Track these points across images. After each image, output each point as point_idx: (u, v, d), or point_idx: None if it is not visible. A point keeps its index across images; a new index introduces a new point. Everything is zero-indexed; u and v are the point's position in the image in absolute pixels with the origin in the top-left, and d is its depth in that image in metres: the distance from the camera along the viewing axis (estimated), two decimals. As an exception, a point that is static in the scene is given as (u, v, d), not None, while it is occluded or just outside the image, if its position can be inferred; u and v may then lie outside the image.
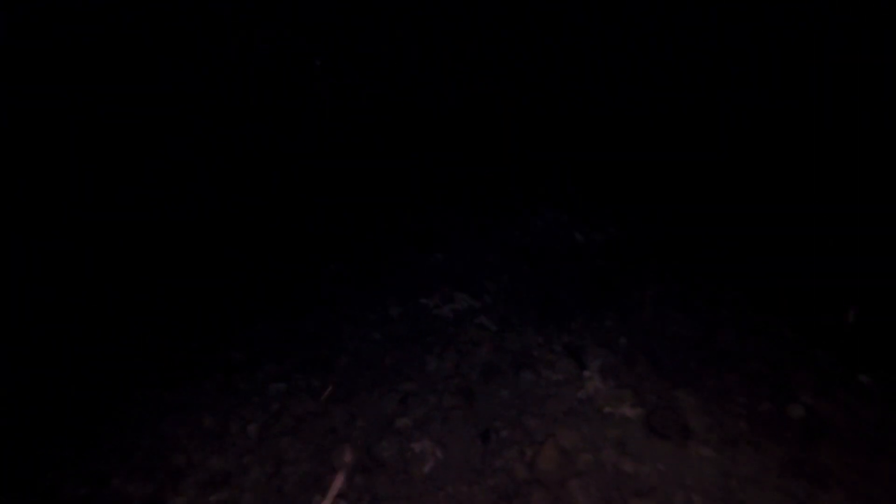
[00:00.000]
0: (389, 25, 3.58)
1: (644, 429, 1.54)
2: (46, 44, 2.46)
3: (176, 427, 1.79)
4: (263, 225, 3.43)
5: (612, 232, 2.88)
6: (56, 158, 2.88)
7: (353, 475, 1.50)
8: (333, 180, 4.21)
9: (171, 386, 2.01)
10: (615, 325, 2.12)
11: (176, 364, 2.13)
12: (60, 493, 1.54)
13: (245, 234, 3.30)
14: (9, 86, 2.13)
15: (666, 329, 2.00)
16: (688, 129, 3.15)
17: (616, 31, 3.34)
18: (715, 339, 1.87)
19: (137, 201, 3.16)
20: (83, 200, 2.96)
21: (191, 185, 3.44)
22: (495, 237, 3.12)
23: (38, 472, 1.61)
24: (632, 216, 3.00)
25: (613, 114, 3.57)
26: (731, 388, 1.63)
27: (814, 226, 2.11)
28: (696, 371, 1.74)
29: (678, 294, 2.20)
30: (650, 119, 3.38)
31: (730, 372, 1.69)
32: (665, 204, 2.94)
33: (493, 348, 2.12)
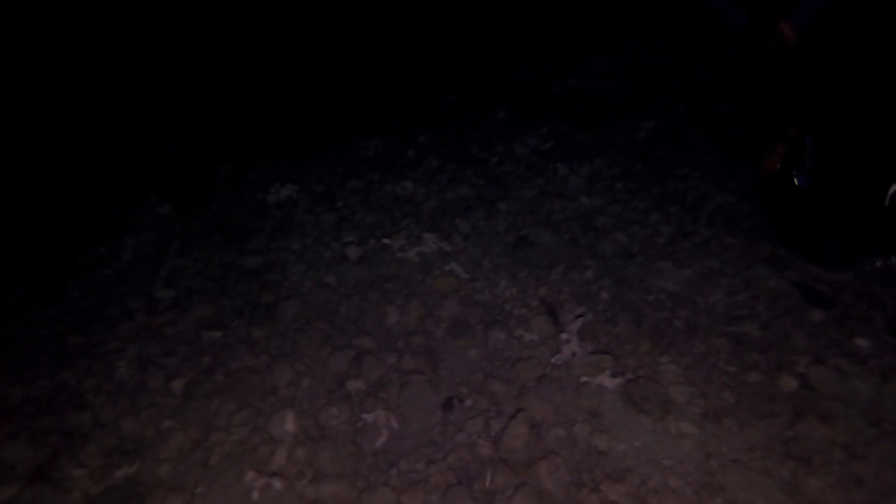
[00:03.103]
0: None
1: (622, 400, 1.40)
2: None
3: (80, 377, 1.51)
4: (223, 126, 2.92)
5: (599, 164, 2.60)
6: None
7: (295, 447, 1.30)
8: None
9: (76, 327, 1.69)
10: (596, 277, 1.92)
11: (83, 303, 1.79)
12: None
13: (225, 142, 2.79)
14: None
15: (652, 283, 1.82)
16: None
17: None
18: (705, 295, 1.71)
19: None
20: None
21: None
22: (472, 164, 2.78)
23: None
24: (622, 145, 2.71)
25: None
26: (719, 353, 1.49)
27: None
28: (683, 332, 1.59)
29: (667, 241, 2.00)
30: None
31: (718, 335, 1.55)
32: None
33: (461, 300, 1.90)
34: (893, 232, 1.45)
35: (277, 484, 1.20)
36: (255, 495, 1.18)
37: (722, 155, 2.43)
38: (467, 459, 1.28)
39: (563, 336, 1.64)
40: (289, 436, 1.34)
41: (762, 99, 1.97)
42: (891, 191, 1.38)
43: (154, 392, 1.48)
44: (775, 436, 1.28)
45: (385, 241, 2.21)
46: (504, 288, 1.94)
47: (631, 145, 2.70)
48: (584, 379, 1.47)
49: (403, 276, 2.03)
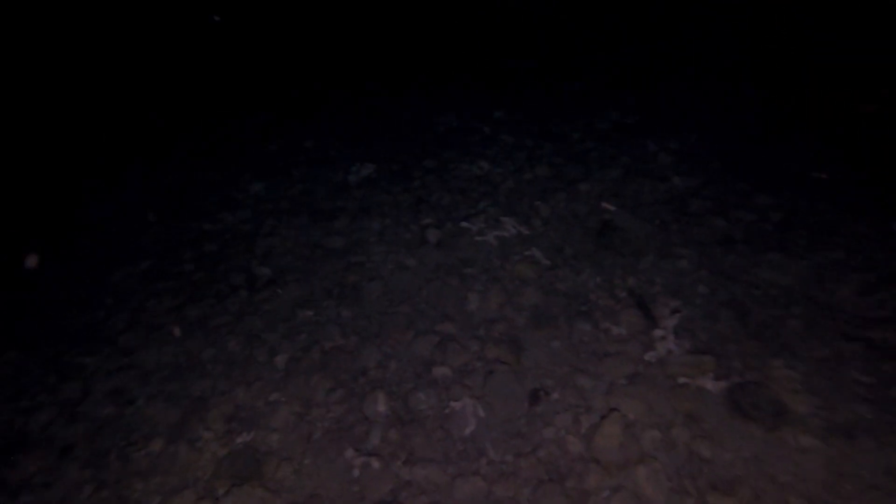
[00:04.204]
0: None
1: (727, 406, 1.31)
2: None
3: (200, 347, 1.68)
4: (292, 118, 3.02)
5: (693, 141, 2.37)
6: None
7: (388, 428, 1.38)
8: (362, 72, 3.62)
9: (192, 299, 1.88)
10: (692, 268, 1.78)
11: (196, 276, 1.97)
12: (83, 408, 1.49)
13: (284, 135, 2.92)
14: None
15: (758, 275, 1.66)
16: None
17: None
18: (828, 292, 1.51)
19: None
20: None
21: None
22: (550, 142, 2.65)
23: (60, 374, 1.56)
24: (717, 117, 2.44)
25: None
26: (850, 361, 1.34)
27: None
28: (800, 334, 1.44)
29: (776, 226, 1.79)
30: None
31: (848, 339, 1.38)
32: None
33: (543, 288, 1.86)
34: None
35: (375, 463, 1.28)
36: (356, 472, 1.27)
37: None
38: (557, 455, 1.28)
39: (657, 332, 1.56)
40: (381, 417, 1.42)
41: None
42: None
43: (260, 365, 1.62)
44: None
45: (463, 223, 2.20)
46: (588, 276, 1.87)
47: (727, 115, 2.41)
48: (682, 380, 1.39)
49: (482, 261, 2.02)
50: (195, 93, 3.47)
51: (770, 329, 1.47)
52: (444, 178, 2.54)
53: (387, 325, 1.76)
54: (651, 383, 1.43)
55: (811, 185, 1.93)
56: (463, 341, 1.67)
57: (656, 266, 1.82)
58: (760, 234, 1.80)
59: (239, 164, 2.68)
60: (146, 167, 2.67)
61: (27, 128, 2.95)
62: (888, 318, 1.42)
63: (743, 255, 1.70)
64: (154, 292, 1.88)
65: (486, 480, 1.24)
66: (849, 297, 1.50)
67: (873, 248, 1.60)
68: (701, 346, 1.48)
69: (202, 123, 3.13)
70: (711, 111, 2.50)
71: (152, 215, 2.29)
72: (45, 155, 2.79)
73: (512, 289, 1.86)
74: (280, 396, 1.51)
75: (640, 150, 2.39)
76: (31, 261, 1.99)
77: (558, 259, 1.97)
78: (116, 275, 1.93)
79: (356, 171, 2.60)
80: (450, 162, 2.64)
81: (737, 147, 2.27)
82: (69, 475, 1.30)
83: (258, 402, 1.49)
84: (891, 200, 1.74)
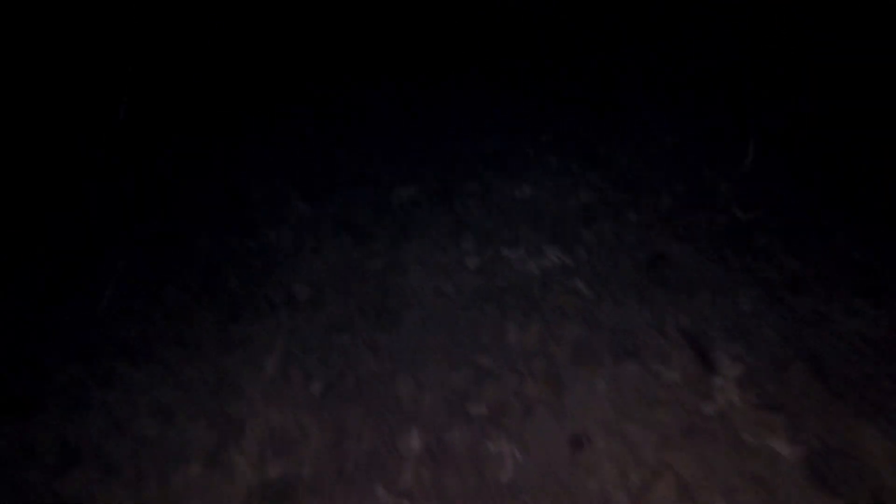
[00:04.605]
0: None
1: (806, 475, 1.17)
2: None
3: (238, 367, 1.70)
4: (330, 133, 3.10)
5: (752, 167, 2.20)
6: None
7: (421, 467, 1.32)
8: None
9: (235, 317, 1.92)
10: (757, 310, 1.63)
11: (240, 294, 2.02)
12: (129, 426, 1.53)
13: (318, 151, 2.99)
14: None
15: (836, 322, 1.49)
16: None
17: None
18: None
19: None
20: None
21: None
22: (596, 164, 2.56)
23: (100, 387, 1.61)
24: (778, 147, 2.27)
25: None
26: None
27: None
28: (892, 393, 1.27)
29: (860, 268, 1.62)
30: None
31: None
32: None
33: (586, 322, 1.76)
34: None
35: None
36: (387, 512, 1.22)
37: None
38: (602, 513, 1.18)
39: (716, 380, 1.43)
40: (414, 453, 1.37)
41: None
42: None
43: (296, 389, 1.62)
44: None
45: (503, 250, 2.14)
46: (636, 312, 1.75)
47: (796, 131, 2.24)
48: (747, 439, 1.26)
49: (522, 290, 1.95)
50: (228, 100, 3.63)
51: (857, 388, 1.31)
52: (485, 201, 2.50)
53: (422, 353, 1.72)
54: (710, 439, 1.30)
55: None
56: (500, 375, 1.60)
57: (714, 305, 1.69)
58: (840, 276, 1.63)
59: (284, 181, 2.76)
60: (192, 181, 2.80)
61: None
62: None
63: (819, 299, 1.54)
64: (201, 307, 1.93)
65: (523, 535, 1.16)
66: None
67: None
68: (770, 401, 1.33)
69: (245, 139, 3.26)
70: (765, 126, 2.32)
71: (203, 232, 2.38)
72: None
73: (553, 321, 1.78)
74: (313, 423, 1.49)
75: (695, 176, 2.25)
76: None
77: (603, 291, 1.87)
78: (168, 289, 2.00)
79: (398, 192, 2.60)
80: (492, 184, 2.60)
81: (808, 172, 2.09)
82: (113, 493, 1.33)
83: (292, 427, 1.48)
84: None
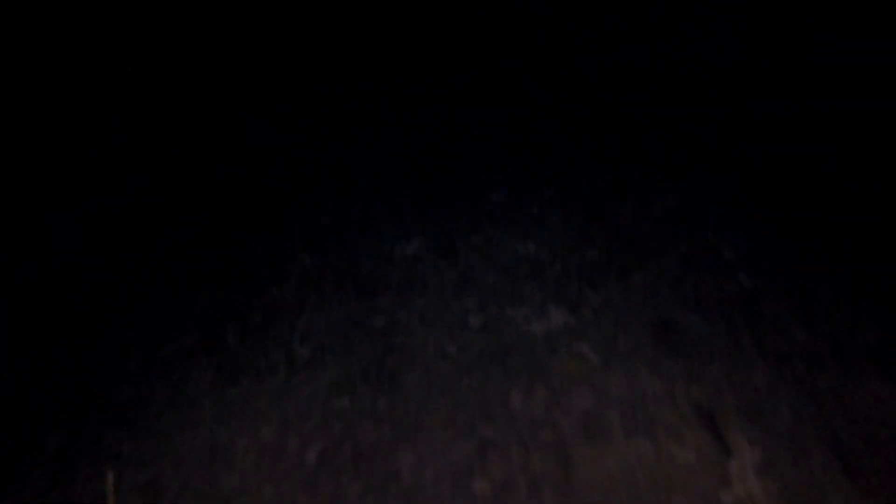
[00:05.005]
0: None
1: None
2: None
3: (233, 435, 1.65)
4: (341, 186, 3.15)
5: (765, 235, 2.20)
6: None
7: (419, 555, 1.24)
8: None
9: (233, 378, 1.87)
10: (771, 385, 1.58)
11: (238, 352, 1.99)
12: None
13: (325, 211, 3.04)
14: None
15: (855, 403, 1.44)
16: None
17: None
18: None
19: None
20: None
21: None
22: (604, 222, 2.57)
23: (94, 465, 1.55)
24: (790, 210, 2.27)
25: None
26: None
27: None
28: None
29: (868, 344, 1.58)
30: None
31: None
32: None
33: (594, 390, 1.70)
34: None
35: None
36: None
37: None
38: None
39: (733, 465, 1.36)
40: (414, 538, 1.28)
41: None
42: None
43: (291, 458, 1.55)
44: None
45: (507, 308, 2.11)
46: (645, 381, 1.70)
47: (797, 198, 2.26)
48: (766, 535, 1.18)
49: (527, 352, 1.91)
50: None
51: (885, 480, 1.24)
52: (489, 257, 2.50)
53: (424, 420, 1.66)
54: (728, 532, 1.22)
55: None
56: (505, 447, 1.53)
57: (726, 378, 1.64)
58: (854, 352, 1.58)
59: (289, 235, 2.79)
60: (198, 236, 2.83)
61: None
62: None
63: (835, 378, 1.50)
64: (197, 367, 1.90)
65: None
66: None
67: None
68: (792, 492, 1.26)
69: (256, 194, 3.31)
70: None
71: (203, 287, 2.38)
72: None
73: (559, 387, 1.72)
74: (308, 499, 1.42)
75: (699, 238, 2.26)
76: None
77: (611, 357, 1.82)
78: (165, 348, 1.98)
79: (402, 245, 2.61)
80: (496, 239, 2.61)
81: (813, 242, 2.08)
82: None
83: (285, 501, 1.41)
84: None
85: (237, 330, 2.07)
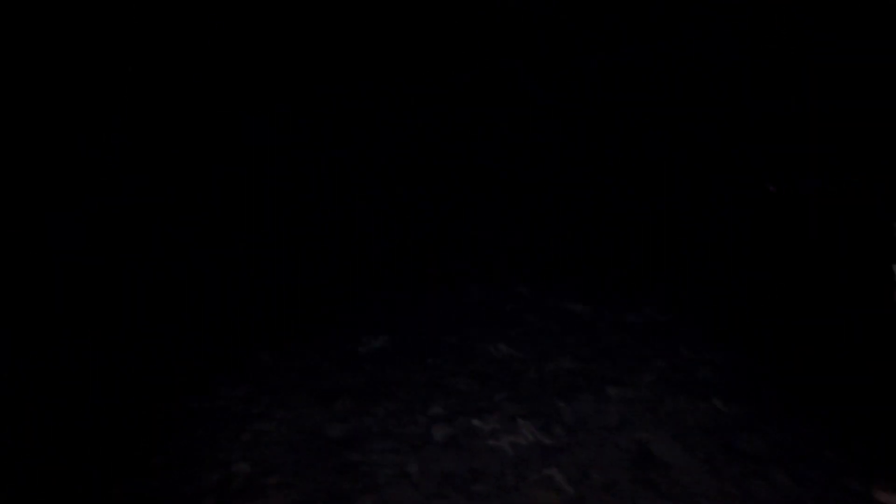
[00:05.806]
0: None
1: None
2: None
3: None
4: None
5: (738, 356, 2.17)
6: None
7: None
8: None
9: None
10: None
11: (165, 474, 1.74)
12: None
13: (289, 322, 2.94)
14: None
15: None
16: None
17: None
18: None
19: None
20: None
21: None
22: (576, 329, 2.51)
23: None
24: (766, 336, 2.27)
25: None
26: None
27: None
28: None
29: (852, 494, 1.48)
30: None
31: None
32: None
33: (566, 531, 1.52)
34: None
35: None
36: None
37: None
38: None
39: None
40: None
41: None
42: None
43: None
44: None
45: (475, 421, 1.97)
46: (622, 523, 1.54)
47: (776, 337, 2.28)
48: None
49: (494, 474, 1.73)
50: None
51: None
52: (461, 359, 2.39)
53: (372, 566, 1.43)
54: None
55: None
56: None
57: (708, 518, 1.49)
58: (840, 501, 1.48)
59: (251, 331, 2.64)
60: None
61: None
62: None
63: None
64: (116, 497, 1.64)
65: None
66: None
67: None
68: None
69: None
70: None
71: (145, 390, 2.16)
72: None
73: (529, 527, 1.54)
74: None
75: (674, 355, 2.22)
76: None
77: (584, 489, 1.67)
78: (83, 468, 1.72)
79: (367, 342, 2.49)
80: (469, 340, 2.52)
81: (781, 371, 2.06)
82: None
83: None
84: None
85: (167, 444, 1.83)
